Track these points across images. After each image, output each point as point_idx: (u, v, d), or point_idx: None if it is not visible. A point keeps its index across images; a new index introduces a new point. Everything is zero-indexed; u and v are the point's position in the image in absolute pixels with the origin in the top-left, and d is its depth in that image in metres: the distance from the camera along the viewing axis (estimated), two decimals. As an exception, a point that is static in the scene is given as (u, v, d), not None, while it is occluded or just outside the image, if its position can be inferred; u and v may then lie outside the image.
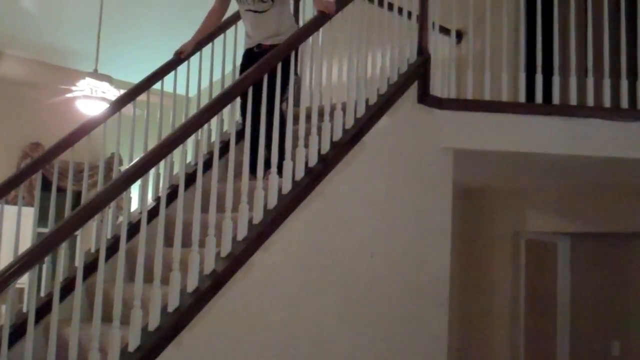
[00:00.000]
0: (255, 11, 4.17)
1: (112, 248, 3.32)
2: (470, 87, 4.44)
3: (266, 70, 3.52)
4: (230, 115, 3.50)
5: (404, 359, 4.16)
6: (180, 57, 4.38)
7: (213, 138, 4.32)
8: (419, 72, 4.36)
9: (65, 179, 4.07)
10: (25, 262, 2.71)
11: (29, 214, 3.89)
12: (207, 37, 4.54)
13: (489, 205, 6.68)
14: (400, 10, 4.37)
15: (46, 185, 4.10)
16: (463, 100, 4.46)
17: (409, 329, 4.21)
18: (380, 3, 4.36)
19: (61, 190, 4.03)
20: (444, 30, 4.66)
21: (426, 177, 4.41)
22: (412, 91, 4.34)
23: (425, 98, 4.37)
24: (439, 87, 4.45)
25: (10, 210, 3.83)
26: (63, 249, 3.10)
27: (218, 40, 4.66)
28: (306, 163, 3.66)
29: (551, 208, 6.45)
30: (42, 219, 4.03)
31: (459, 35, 4.78)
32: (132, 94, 4.27)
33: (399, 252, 4.19)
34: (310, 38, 3.86)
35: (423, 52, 4.42)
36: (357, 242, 3.94)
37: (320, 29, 3.88)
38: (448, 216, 4.53)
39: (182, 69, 4.48)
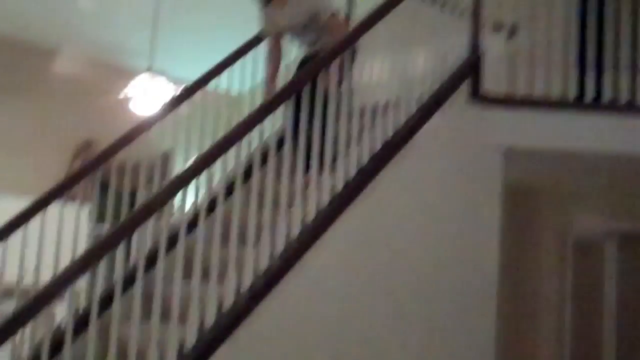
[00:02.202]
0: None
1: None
2: (522, 85, 4.43)
3: (315, 75, 3.57)
4: (285, 111, 3.54)
5: (452, 357, 4.18)
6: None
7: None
8: (470, 70, 4.36)
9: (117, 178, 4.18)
10: (85, 261, 2.82)
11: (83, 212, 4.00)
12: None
13: (538, 205, 6.60)
14: (451, 6, 4.37)
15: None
16: (513, 99, 4.44)
17: (457, 327, 4.20)
18: (432, -1, 4.36)
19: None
20: (496, 26, 4.64)
21: (476, 176, 4.39)
22: (463, 89, 4.33)
23: (477, 96, 4.36)
24: (490, 85, 4.44)
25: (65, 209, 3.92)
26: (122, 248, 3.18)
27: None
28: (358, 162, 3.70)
29: (600, 209, 6.36)
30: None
31: (511, 31, 4.75)
32: (187, 93, 4.37)
33: (448, 251, 4.19)
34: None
35: (474, 49, 4.41)
36: (407, 242, 3.96)
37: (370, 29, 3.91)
38: (497, 215, 4.47)
39: (237, 66, 4.54)
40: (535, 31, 4.45)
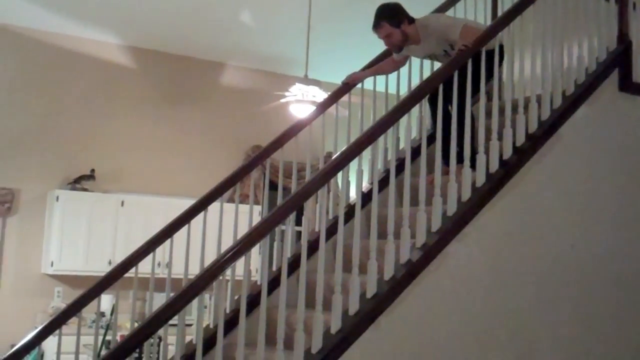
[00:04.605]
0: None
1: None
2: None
3: (455, 67, 3.63)
4: (420, 113, 3.62)
5: (607, 354, 4.09)
6: (347, 86, 4.54)
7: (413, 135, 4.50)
8: (619, 59, 4.25)
9: (284, 178, 4.47)
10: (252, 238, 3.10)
11: (247, 210, 4.27)
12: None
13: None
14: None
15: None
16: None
17: (613, 323, 4.12)
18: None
19: (284, 188, 4.39)
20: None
21: (631, 167, 4.28)
22: (613, 79, 4.24)
23: (628, 86, 4.25)
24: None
25: (234, 208, 4.19)
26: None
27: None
28: (500, 156, 3.73)
29: None
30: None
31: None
32: (335, 96, 4.58)
33: (602, 244, 4.12)
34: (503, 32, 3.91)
35: (623, 38, 4.29)
36: (556, 233, 3.94)
37: (511, 24, 3.91)
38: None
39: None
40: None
